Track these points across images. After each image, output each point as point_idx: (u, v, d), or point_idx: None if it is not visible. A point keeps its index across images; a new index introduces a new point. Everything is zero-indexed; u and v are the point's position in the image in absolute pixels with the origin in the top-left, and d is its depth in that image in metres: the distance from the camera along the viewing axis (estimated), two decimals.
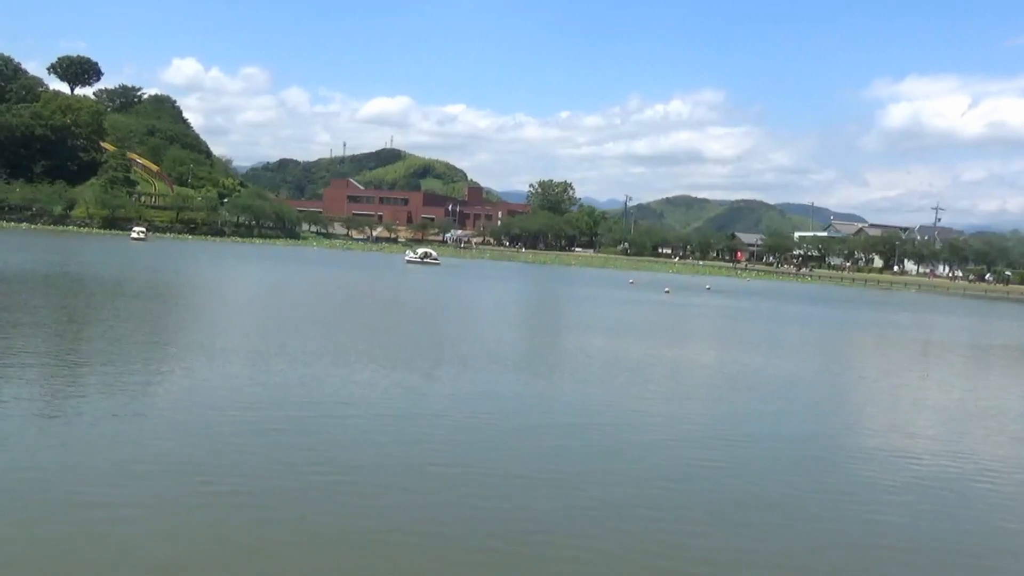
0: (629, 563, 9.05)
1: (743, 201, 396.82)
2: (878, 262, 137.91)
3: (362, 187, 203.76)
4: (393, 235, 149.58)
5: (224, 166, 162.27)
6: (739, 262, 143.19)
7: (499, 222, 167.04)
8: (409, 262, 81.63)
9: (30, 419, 12.68)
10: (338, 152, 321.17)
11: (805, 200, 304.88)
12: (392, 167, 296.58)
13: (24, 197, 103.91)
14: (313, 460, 11.79)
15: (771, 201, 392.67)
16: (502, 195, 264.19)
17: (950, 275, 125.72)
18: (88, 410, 13.49)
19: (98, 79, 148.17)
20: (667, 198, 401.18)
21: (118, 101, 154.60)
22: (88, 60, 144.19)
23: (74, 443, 11.74)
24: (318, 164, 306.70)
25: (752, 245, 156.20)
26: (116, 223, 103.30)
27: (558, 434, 14.51)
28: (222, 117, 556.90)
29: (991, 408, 20.36)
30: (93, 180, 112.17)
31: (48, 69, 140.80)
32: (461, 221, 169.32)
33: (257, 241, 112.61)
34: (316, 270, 62.45)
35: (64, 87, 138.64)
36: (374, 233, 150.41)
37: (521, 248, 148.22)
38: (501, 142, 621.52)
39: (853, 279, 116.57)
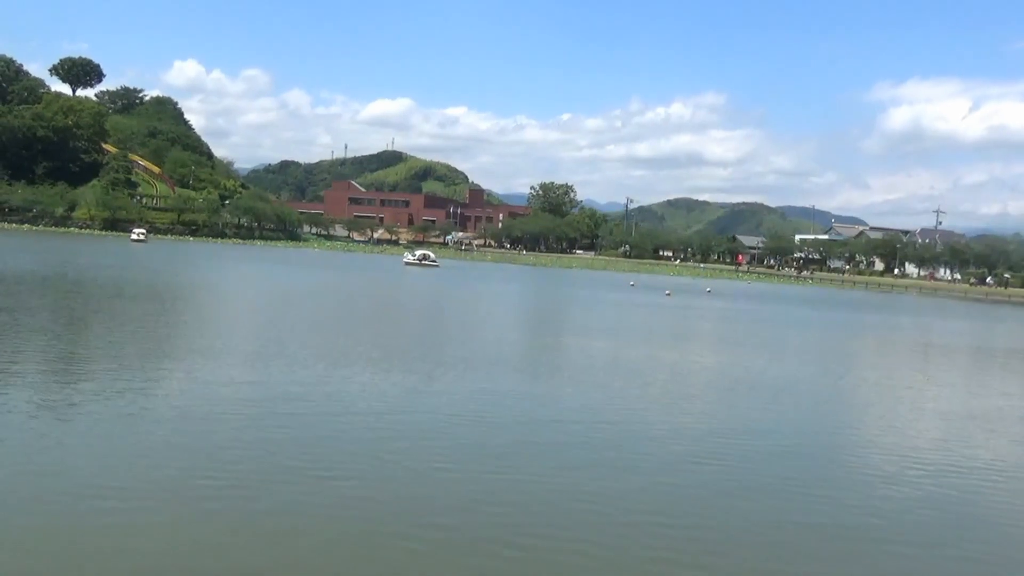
0: (630, 563, 9.06)
1: (744, 204, 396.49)
2: (879, 265, 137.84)
3: (363, 189, 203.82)
4: (394, 237, 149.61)
5: (225, 168, 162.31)
6: (740, 265, 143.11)
7: (500, 224, 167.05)
8: (407, 264, 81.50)
9: (28, 420, 12.66)
10: (339, 154, 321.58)
11: (806, 203, 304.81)
12: (393, 169, 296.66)
13: (25, 199, 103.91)
14: (313, 460, 11.80)
15: (772, 204, 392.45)
16: (503, 197, 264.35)
17: (949, 278, 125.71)
18: (86, 411, 13.49)
19: (100, 81, 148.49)
20: (668, 201, 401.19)
21: (120, 103, 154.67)
22: (90, 62, 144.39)
23: (73, 443, 11.74)
24: (319, 166, 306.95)
25: (753, 248, 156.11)
26: (117, 225, 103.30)
27: (557, 434, 14.52)
28: (223, 119, 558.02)
29: (992, 411, 20.32)
30: (95, 182, 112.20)
31: (50, 71, 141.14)
32: (462, 223, 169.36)
33: (258, 243, 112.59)
34: (313, 272, 62.44)
35: (66, 89, 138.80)
36: (375, 235, 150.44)
37: (522, 250, 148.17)
38: (502, 144, 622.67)
39: (854, 282, 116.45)
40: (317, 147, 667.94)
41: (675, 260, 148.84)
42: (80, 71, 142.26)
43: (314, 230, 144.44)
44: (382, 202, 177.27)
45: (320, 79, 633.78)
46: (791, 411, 18.46)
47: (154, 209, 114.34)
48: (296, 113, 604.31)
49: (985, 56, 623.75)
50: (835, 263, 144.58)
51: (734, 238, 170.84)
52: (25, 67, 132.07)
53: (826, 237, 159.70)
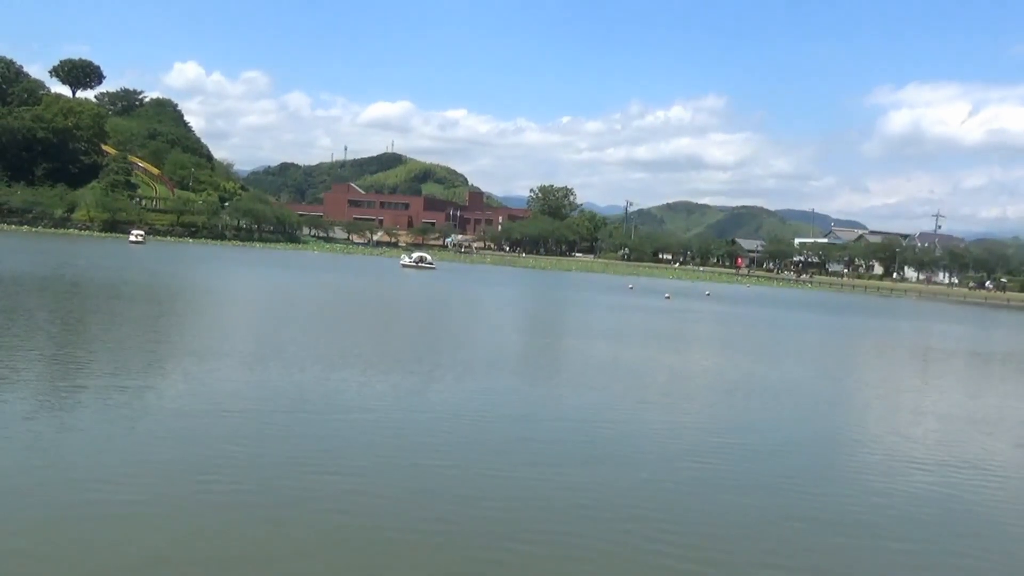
0: (630, 560, 9.10)
1: (744, 207, 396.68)
2: (878, 269, 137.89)
3: (363, 191, 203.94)
4: (394, 239, 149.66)
5: (225, 170, 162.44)
6: (739, 268, 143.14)
7: (500, 227, 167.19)
8: (404, 266, 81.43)
9: (24, 421, 12.62)
10: (339, 156, 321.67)
11: (806, 206, 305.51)
12: (393, 171, 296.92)
13: (25, 200, 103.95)
14: (311, 457, 11.83)
15: (772, 207, 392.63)
16: (503, 200, 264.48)
17: (947, 282, 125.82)
18: (84, 411, 13.47)
19: (100, 82, 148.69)
20: (668, 204, 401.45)
21: (120, 104, 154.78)
22: (90, 63, 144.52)
23: (71, 443, 11.70)
24: (319, 168, 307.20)
25: (752, 251, 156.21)
26: (117, 226, 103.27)
27: (556, 433, 14.51)
28: (223, 121, 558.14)
29: (990, 414, 20.32)
30: (94, 183, 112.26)
31: (50, 72, 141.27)
32: (462, 226, 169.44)
33: (257, 245, 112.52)
34: (307, 275, 62.40)
35: (66, 90, 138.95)
36: (375, 237, 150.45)
37: (521, 253, 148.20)
38: (502, 147, 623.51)
39: (853, 286, 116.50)
40: (317, 149, 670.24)
41: (675, 263, 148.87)
42: (80, 73, 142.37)
43: (313, 232, 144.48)
44: (382, 204, 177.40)
45: (320, 81, 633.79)
46: (790, 414, 18.44)
47: (153, 211, 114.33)
48: (296, 115, 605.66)
49: (985, 60, 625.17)
50: (834, 267, 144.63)
51: (733, 241, 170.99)
52: (25, 69, 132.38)
53: (825, 241, 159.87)
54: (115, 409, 13.80)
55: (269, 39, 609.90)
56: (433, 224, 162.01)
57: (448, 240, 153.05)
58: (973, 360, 35.54)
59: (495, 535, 9.58)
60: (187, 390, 15.90)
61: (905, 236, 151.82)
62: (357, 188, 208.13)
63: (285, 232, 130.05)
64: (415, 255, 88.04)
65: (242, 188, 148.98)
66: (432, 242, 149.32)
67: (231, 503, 9.88)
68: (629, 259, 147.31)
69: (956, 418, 19.70)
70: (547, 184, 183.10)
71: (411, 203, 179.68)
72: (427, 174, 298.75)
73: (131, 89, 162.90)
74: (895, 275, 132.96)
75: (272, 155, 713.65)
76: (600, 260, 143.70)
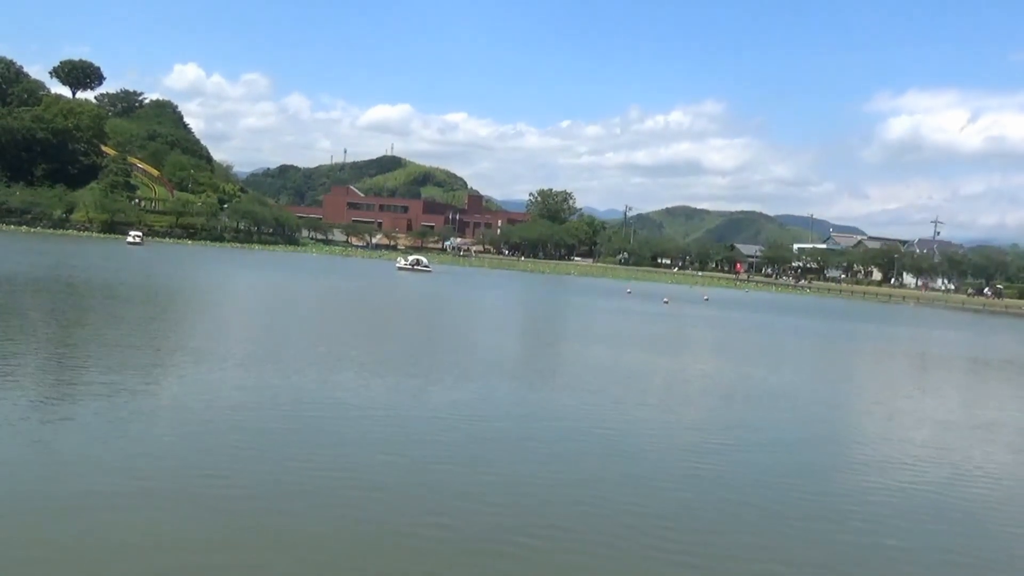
0: (629, 560, 9.14)
1: (743, 212, 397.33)
2: (877, 275, 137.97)
3: (362, 194, 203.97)
4: (392, 242, 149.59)
5: (225, 171, 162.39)
6: (738, 273, 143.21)
7: (499, 231, 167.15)
8: (400, 269, 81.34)
9: (18, 422, 12.57)
10: (339, 159, 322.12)
11: (805, 212, 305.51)
12: (392, 174, 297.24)
13: (24, 200, 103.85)
14: (311, 458, 11.84)
15: (771, 213, 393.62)
16: (502, 204, 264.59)
17: (943, 288, 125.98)
18: (82, 411, 13.42)
19: (100, 83, 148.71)
20: (667, 208, 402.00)
21: (120, 106, 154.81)
22: (90, 64, 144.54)
23: (70, 443, 11.66)
24: (319, 171, 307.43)
25: (751, 257, 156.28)
26: (116, 227, 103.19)
27: (556, 437, 14.49)
28: (223, 123, 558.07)
29: (989, 420, 20.30)
30: (93, 184, 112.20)
31: (50, 73, 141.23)
32: (461, 229, 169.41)
33: (256, 247, 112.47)
34: (302, 278, 62.39)
35: (66, 91, 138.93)
36: (373, 240, 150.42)
37: (520, 257, 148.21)
38: (502, 151, 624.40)
39: (852, 291, 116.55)
40: (317, 152, 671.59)
41: (674, 268, 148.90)
42: (80, 74, 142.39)
43: (313, 235, 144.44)
44: (381, 207, 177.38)
45: (320, 84, 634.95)
46: (788, 418, 18.43)
47: (153, 212, 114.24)
48: (296, 118, 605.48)
49: (984, 67, 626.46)
50: (833, 273, 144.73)
51: (732, 247, 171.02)
52: (25, 69, 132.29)
53: (824, 246, 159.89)
54: (114, 410, 13.75)
55: (269, 41, 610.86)
56: (432, 227, 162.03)
57: (447, 243, 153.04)
58: (971, 366, 35.54)
59: (496, 533, 9.63)
60: (182, 392, 15.86)
61: (904, 242, 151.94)
62: (356, 191, 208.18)
63: (284, 234, 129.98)
64: (411, 258, 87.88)
65: (241, 190, 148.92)
66: (431, 245, 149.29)
67: (231, 505, 9.85)
68: (628, 264, 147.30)
69: (954, 424, 19.68)
70: (546, 188, 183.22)
71: (410, 206, 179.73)
72: (426, 177, 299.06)
73: (131, 90, 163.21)
74: (893, 281, 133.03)
75: (272, 157, 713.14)
76: (599, 264, 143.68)
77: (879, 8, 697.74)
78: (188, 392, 15.79)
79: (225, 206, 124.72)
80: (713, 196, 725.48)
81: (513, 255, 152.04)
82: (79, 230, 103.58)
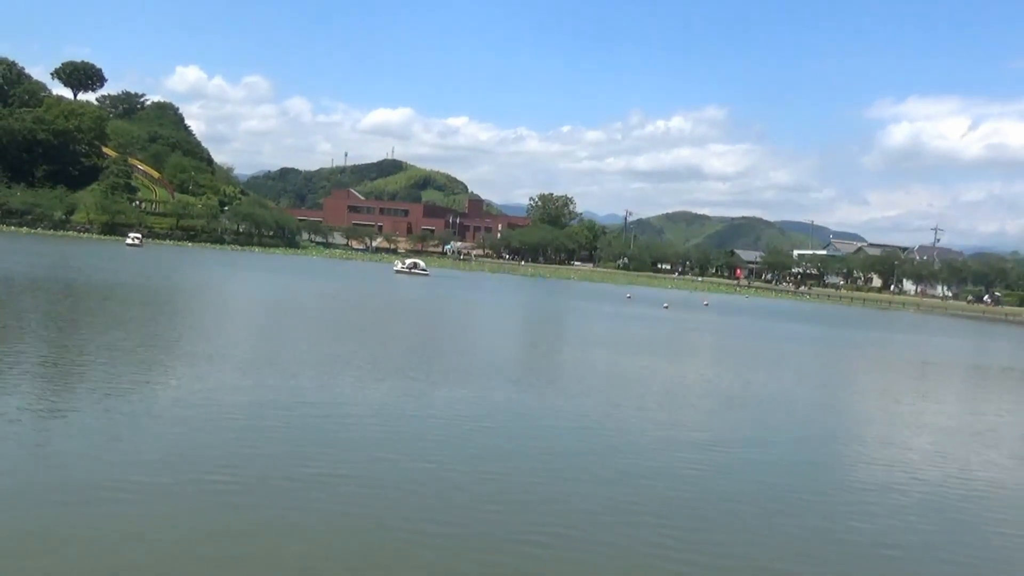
0: (629, 560, 9.18)
1: (743, 218, 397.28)
2: (877, 281, 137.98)
3: (363, 197, 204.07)
4: (393, 246, 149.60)
5: (225, 174, 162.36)
6: (738, 279, 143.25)
7: (499, 235, 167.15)
8: (397, 272, 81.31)
9: (11, 424, 12.53)
10: (339, 162, 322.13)
11: (805, 218, 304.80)
12: (393, 178, 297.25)
13: (24, 201, 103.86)
14: (311, 460, 11.84)
15: (771, 219, 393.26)
16: (503, 208, 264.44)
17: (941, 295, 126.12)
18: (80, 413, 13.39)
19: (101, 85, 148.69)
20: (667, 214, 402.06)
21: (121, 107, 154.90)
22: (92, 66, 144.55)
23: (68, 445, 11.63)
24: (319, 174, 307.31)
25: (751, 262, 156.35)
26: (116, 229, 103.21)
27: (556, 438, 14.45)
28: (224, 125, 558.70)
29: (990, 427, 20.27)
30: (94, 185, 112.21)
31: (52, 74, 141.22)
32: (461, 233, 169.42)
33: (256, 250, 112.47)
34: (298, 280, 62.36)
35: (67, 93, 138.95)
36: (374, 244, 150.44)
37: (521, 261, 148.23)
38: (502, 155, 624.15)
39: (852, 298, 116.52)
40: (317, 155, 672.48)
41: (674, 273, 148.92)
42: (82, 75, 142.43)
43: (313, 238, 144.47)
44: (381, 211, 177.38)
45: (321, 87, 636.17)
46: (788, 423, 18.42)
47: (153, 214, 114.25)
48: (297, 120, 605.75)
49: (985, 75, 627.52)
50: (833, 279, 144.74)
51: (732, 252, 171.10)
52: (27, 70, 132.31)
53: (824, 253, 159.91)
54: (112, 411, 13.71)
55: (271, 44, 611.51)
56: (432, 231, 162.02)
57: (447, 247, 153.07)
58: (971, 373, 35.52)
59: (497, 535, 9.66)
60: (178, 395, 15.81)
61: (904, 249, 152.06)
62: (357, 194, 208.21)
63: (284, 237, 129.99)
64: (408, 261, 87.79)
65: (242, 192, 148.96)
66: (431, 249, 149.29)
67: (231, 506, 9.85)
68: (628, 269, 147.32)
69: (954, 430, 19.67)
70: (547, 193, 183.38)
71: (411, 210, 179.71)
72: (427, 181, 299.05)
73: (132, 92, 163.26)
74: (893, 288, 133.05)
75: (272, 160, 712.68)
76: (599, 269, 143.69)
77: (880, 15, 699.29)
78: (184, 394, 15.75)
79: (225, 208, 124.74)
80: (714, 202, 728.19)
81: (513, 259, 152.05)
82: (79, 231, 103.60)
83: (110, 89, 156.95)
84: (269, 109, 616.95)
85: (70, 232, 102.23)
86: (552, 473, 12.33)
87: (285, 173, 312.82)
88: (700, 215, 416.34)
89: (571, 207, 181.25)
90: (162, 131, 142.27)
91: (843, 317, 73.61)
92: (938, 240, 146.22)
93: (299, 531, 9.20)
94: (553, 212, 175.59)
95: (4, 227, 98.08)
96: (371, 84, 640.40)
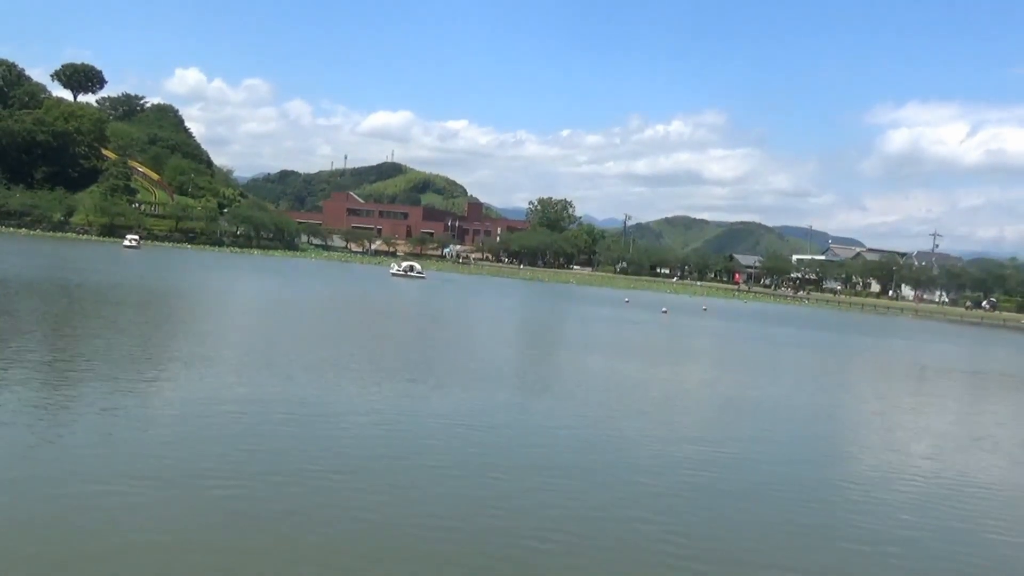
0: (628, 561, 9.24)
1: (742, 223, 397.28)
2: (875, 287, 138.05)
3: (362, 200, 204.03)
4: (392, 249, 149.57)
5: (225, 176, 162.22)
6: (737, 284, 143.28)
7: (498, 238, 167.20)
8: (393, 275, 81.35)
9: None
10: (339, 165, 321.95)
11: (804, 223, 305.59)
12: (392, 181, 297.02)
13: (24, 203, 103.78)
14: (310, 462, 11.87)
15: (770, 224, 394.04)
16: (502, 212, 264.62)
17: (938, 301, 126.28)
18: (78, 414, 13.38)
19: (101, 87, 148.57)
20: (666, 218, 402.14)
21: (121, 109, 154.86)
22: (92, 68, 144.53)
23: (67, 446, 11.59)
24: (319, 176, 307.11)
25: (750, 267, 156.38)
26: (115, 231, 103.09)
27: (555, 441, 14.46)
28: (224, 127, 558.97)
29: (988, 433, 20.29)
30: (93, 187, 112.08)
31: (52, 76, 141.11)
32: (460, 236, 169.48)
33: (255, 252, 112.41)
34: (293, 282, 62.33)
35: (67, 94, 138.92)
36: (373, 246, 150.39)
37: (520, 265, 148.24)
38: (502, 159, 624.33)
39: (850, 303, 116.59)
40: (317, 157, 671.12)
41: (672, 278, 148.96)
42: (82, 77, 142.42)
43: (312, 240, 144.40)
44: (380, 214, 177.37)
45: (321, 90, 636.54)
46: (787, 427, 18.43)
47: (152, 216, 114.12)
48: (296, 123, 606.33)
49: (984, 81, 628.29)
50: (831, 284, 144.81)
51: (731, 257, 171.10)
52: (27, 72, 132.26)
53: (823, 258, 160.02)
54: (111, 413, 13.69)
55: (271, 47, 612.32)
56: (432, 234, 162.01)
57: (446, 250, 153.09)
58: (970, 379, 35.54)
59: (497, 536, 9.71)
60: (174, 397, 15.81)
61: (903, 254, 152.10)
62: (356, 197, 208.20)
63: (283, 240, 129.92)
64: (404, 264, 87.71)
65: (241, 195, 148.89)
66: (430, 252, 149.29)
67: (230, 507, 9.86)
68: (627, 273, 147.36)
69: (954, 436, 19.70)
70: (546, 196, 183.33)
71: (410, 213, 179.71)
72: (426, 184, 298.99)
73: (132, 94, 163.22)
74: (891, 293, 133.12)
75: (272, 162, 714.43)
76: (598, 273, 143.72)
77: (880, 21, 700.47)
78: (181, 396, 15.75)
79: (225, 211, 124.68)
80: (712, 206, 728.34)
81: (512, 263, 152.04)
82: (78, 233, 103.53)
83: (110, 91, 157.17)
84: (269, 112, 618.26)
85: (69, 234, 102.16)
86: (553, 477, 12.33)
87: (284, 176, 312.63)
88: (699, 219, 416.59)
89: (570, 211, 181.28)
90: (162, 133, 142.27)
91: (841, 322, 73.64)
92: (937, 245, 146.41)
93: (299, 531, 9.22)
94: (552, 216, 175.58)
95: (3, 228, 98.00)
96: (371, 87, 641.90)
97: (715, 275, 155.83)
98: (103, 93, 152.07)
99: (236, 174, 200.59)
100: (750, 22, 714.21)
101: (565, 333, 41.61)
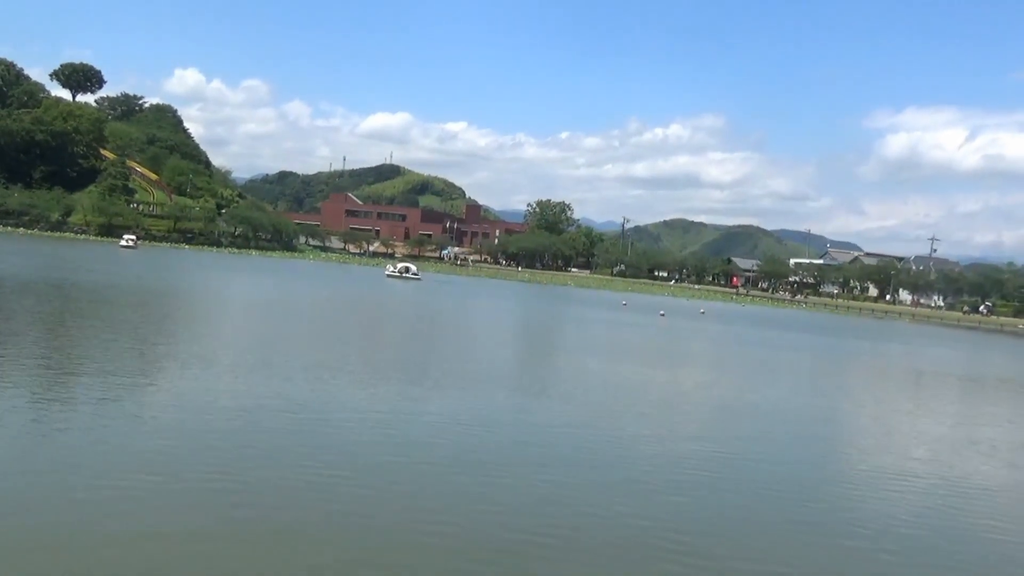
0: (631, 562, 9.26)
1: (740, 226, 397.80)
2: (873, 291, 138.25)
3: (360, 202, 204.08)
4: (390, 250, 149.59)
5: (223, 177, 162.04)
6: (735, 287, 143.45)
7: (496, 240, 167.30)
8: (388, 276, 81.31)
9: (4, 427, 12.51)
10: (338, 166, 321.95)
11: (802, 227, 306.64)
12: (391, 183, 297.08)
13: (22, 202, 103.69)
14: (309, 462, 11.88)
15: (768, 227, 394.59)
16: (500, 214, 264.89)
17: (934, 305, 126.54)
18: (76, 414, 13.36)
19: (100, 87, 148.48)
20: (664, 221, 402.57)
21: (119, 109, 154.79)
22: (91, 68, 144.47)
23: (66, 447, 11.57)
24: (317, 178, 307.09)
25: (748, 271, 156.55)
26: (113, 231, 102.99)
27: (555, 443, 14.47)
28: (223, 128, 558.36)
29: (985, 437, 20.30)
30: (92, 187, 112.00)
31: (51, 76, 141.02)
32: (459, 238, 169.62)
33: (253, 253, 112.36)
34: (288, 284, 62.29)
35: (66, 94, 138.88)
36: (371, 248, 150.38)
37: (518, 267, 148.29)
38: (501, 161, 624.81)
39: (848, 307, 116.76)
40: (316, 159, 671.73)
41: (671, 281, 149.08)
42: (81, 77, 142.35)
43: (310, 241, 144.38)
44: (379, 215, 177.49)
45: (320, 91, 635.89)
46: (785, 430, 18.41)
47: (150, 216, 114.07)
48: (295, 124, 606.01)
49: (983, 86, 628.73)
50: (829, 288, 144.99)
51: (729, 260, 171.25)
52: (26, 71, 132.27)
53: (821, 262, 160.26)
54: (109, 414, 13.66)
55: (270, 48, 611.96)
56: (430, 236, 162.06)
57: (445, 252, 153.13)
58: (968, 384, 35.58)
59: (497, 536, 9.72)
60: (171, 399, 15.79)
61: (900, 259, 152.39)
62: (355, 198, 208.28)
63: (281, 241, 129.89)
64: (399, 265, 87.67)
65: (240, 196, 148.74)
66: (428, 254, 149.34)
67: (229, 508, 9.83)
68: (625, 276, 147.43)
69: (952, 439, 19.72)
70: (544, 199, 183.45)
71: (408, 214, 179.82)
72: (425, 186, 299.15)
73: (131, 94, 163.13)
74: (889, 298, 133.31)
75: (271, 163, 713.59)
76: (596, 276, 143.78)
77: (879, 25, 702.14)
78: (178, 398, 15.71)
79: (223, 211, 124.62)
80: (711, 209, 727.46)
81: (510, 265, 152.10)
82: (76, 233, 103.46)
83: (109, 91, 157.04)
84: (268, 112, 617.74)
85: (67, 233, 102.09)
86: (552, 477, 12.36)
87: (283, 177, 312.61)
88: (697, 223, 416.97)
89: (568, 213, 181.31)
90: (160, 133, 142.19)
91: (838, 326, 73.71)
92: (935, 250, 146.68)
93: (296, 528, 9.22)
94: (551, 218, 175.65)
95: (1, 228, 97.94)
96: (370, 88, 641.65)
97: (713, 278, 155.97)
98: (102, 93, 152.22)
99: (235, 175, 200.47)
100: (749, 25, 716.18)
101: (562, 335, 41.61)
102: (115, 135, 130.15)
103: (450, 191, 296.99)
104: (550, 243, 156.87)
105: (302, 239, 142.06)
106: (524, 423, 16.56)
